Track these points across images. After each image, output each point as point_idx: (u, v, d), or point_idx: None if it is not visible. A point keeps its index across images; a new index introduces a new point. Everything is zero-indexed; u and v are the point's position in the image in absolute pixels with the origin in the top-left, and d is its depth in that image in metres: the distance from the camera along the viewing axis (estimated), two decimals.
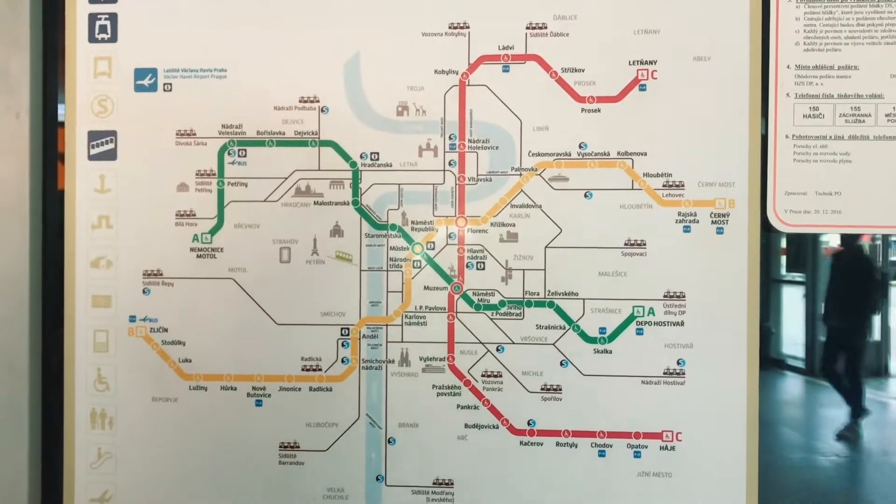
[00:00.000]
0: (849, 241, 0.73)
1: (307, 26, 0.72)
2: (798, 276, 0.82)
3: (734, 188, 0.69)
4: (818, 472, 0.75)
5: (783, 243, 0.81)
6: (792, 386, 0.79)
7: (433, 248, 0.72)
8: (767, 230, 0.69)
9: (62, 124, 0.75)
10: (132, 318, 0.74)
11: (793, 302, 0.80)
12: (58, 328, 0.74)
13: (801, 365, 0.82)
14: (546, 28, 0.71)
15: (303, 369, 0.72)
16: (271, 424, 0.73)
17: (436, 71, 0.71)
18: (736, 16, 0.69)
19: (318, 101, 0.72)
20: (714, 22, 0.69)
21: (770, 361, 0.78)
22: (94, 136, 0.74)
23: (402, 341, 0.72)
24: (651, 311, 0.70)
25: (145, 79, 0.73)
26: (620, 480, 0.71)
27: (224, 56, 0.73)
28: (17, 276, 0.73)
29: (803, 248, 0.84)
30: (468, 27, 0.71)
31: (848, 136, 0.69)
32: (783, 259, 0.81)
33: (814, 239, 0.81)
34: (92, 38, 0.74)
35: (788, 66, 0.69)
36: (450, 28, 0.71)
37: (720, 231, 0.70)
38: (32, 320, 0.74)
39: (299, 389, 0.72)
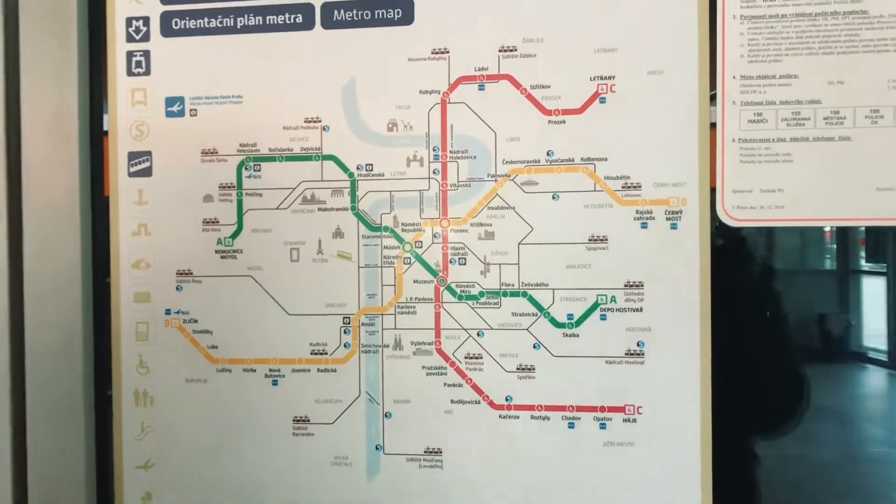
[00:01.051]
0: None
1: (310, 57, 0.84)
2: (878, 268, 0.89)
3: (686, 188, 0.79)
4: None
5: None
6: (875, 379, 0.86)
7: (421, 247, 0.83)
8: (717, 225, 0.79)
9: (107, 141, 0.89)
10: (168, 311, 0.87)
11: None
12: (106, 321, 0.88)
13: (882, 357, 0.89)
14: (516, 50, 0.81)
15: (311, 353, 0.85)
16: (285, 401, 0.85)
17: (420, 91, 0.83)
18: (686, 33, 0.78)
19: (320, 121, 0.84)
20: (666, 39, 0.79)
21: (850, 354, 0.87)
22: (132, 155, 0.88)
23: (395, 328, 0.84)
24: (613, 299, 0.81)
25: (174, 106, 0.87)
26: (588, 449, 0.81)
27: (240, 85, 0.85)
28: (71, 277, 0.88)
29: (883, 238, 0.91)
30: (448, 52, 0.82)
31: (789, 139, 0.77)
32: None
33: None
34: (129, 73, 0.88)
35: (734, 77, 0.78)
36: (432, 53, 0.83)
37: (674, 227, 0.79)
38: (84, 314, 0.88)
39: (308, 371, 0.85)
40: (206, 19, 0.86)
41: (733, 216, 0.78)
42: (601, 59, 0.80)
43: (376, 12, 0.83)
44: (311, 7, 0.84)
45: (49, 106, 0.88)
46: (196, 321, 0.86)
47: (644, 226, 0.79)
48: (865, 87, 0.76)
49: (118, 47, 0.87)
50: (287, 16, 0.84)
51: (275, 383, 0.85)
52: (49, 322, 0.87)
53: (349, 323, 0.84)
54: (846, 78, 0.76)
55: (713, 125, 0.78)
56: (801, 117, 0.77)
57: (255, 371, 0.86)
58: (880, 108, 0.76)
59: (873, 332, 0.84)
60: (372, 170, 0.83)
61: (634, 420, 0.80)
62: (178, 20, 0.86)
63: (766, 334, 0.82)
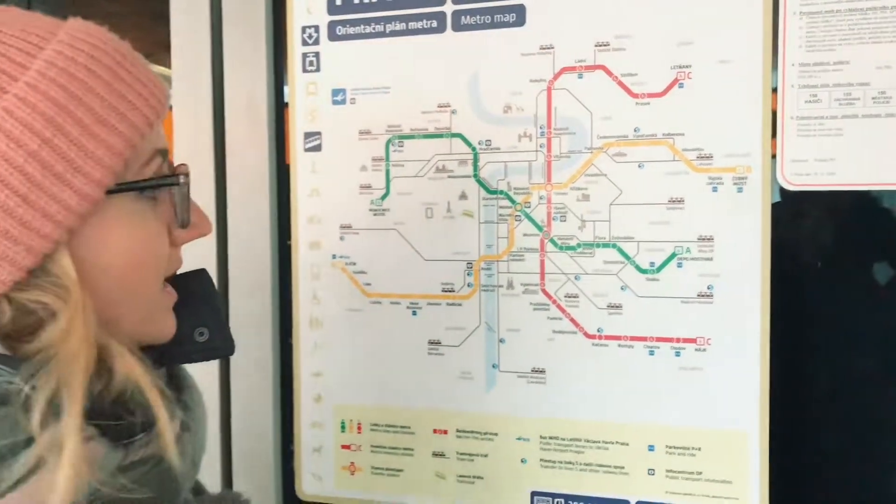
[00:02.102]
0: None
1: (442, 55, 1.06)
2: None
3: (751, 158, 0.96)
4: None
5: None
6: None
7: (529, 207, 1.05)
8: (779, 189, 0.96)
9: (287, 123, 1.17)
10: (333, 256, 1.13)
11: None
12: (288, 262, 1.17)
13: None
14: (609, 45, 1.01)
15: (442, 290, 1.08)
16: (422, 328, 1.09)
17: (530, 80, 1.03)
18: (752, 28, 0.94)
19: (449, 106, 1.07)
20: (735, 33, 0.95)
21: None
22: (307, 135, 1.14)
23: (508, 272, 1.06)
24: (688, 250, 0.99)
25: (338, 96, 1.12)
26: (665, 373, 1.00)
27: (388, 78, 1.09)
28: (262, 230, 1.16)
29: None
30: (553, 48, 1.03)
31: (841, 116, 0.93)
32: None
33: None
34: (304, 70, 1.14)
35: (793, 64, 0.95)
36: (540, 49, 1.03)
37: (740, 190, 0.97)
38: (273, 259, 1.17)
39: (440, 304, 1.09)
40: (362, 26, 1.11)
41: (791, 181, 0.95)
42: (680, 50, 0.98)
43: (495, 17, 1.05)
44: (443, 14, 1.07)
45: (245, 96, 1.16)
46: (354, 264, 1.13)
47: (715, 189, 0.98)
48: None
49: (296, 50, 1.14)
50: (424, 22, 1.08)
51: (414, 313, 1.10)
52: (246, 262, 1.17)
53: (471, 267, 1.07)
54: (892, 63, 0.91)
55: (774, 105, 0.95)
56: (851, 97, 0.93)
57: (399, 303, 1.11)
58: None
59: None
60: (490, 144, 1.06)
61: (704, 350, 0.99)
62: (341, 27, 1.12)
63: (817, 278, 0.99)
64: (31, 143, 0.49)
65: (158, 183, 0.59)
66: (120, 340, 0.55)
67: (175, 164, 0.64)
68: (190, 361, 0.70)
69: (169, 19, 1.21)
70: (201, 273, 0.71)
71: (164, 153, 0.61)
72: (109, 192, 0.54)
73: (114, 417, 0.53)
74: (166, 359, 0.65)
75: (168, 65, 1.21)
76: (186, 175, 0.61)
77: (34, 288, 0.51)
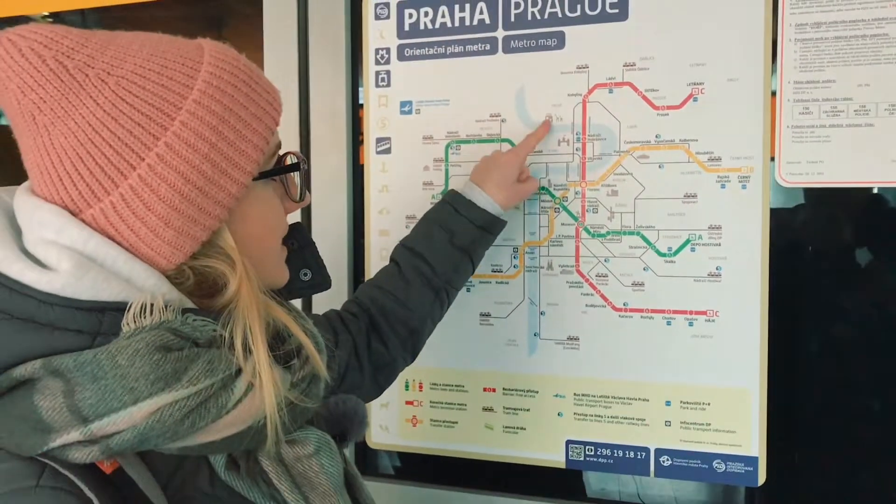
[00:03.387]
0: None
1: (494, 72, 1.27)
2: None
3: (753, 160, 1.14)
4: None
5: None
6: None
7: (567, 200, 1.25)
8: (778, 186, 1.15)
9: (363, 130, 1.38)
10: None
11: None
12: (361, 247, 1.37)
13: None
14: (635, 65, 1.20)
15: (491, 271, 1.28)
16: (476, 302, 1.29)
17: (568, 94, 1.23)
18: (755, 52, 1.14)
19: (500, 116, 1.27)
20: (741, 57, 1.14)
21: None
22: (378, 140, 1.35)
23: (548, 255, 1.26)
24: (700, 237, 1.18)
25: (406, 107, 1.33)
26: (680, 340, 1.19)
27: (448, 92, 1.29)
28: (340, 220, 1.38)
29: None
30: (588, 67, 1.22)
31: (828, 126, 1.11)
32: None
33: None
34: (377, 85, 1.35)
35: (789, 82, 1.13)
36: (576, 68, 1.23)
37: (744, 187, 1.15)
38: (349, 243, 1.38)
39: (490, 283, 1.29)
40: (426, 49, 1.31)
41: (787, 180, 1.14)
42: (694, 70, 1.17)
43: (539, 40, 1.25)
44: (495, 38, 1.27)
45: (328, 107, 1.38)
46: None
47: (723, 186, 1.16)
48: (885, 88, 1.09)
49: (370, 68, 1.35)
50: (479, 45, 1.28)
51: (468, 290, 1.30)
52: (327, 245, 1.37)
53: (517, 252, 1.27)
54: (871, 82, 1.10)
55: (773, 116, 1.14)
56: (837, 110, 1.11)
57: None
58: None
59: None
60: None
61: (713, 321, 1.18)
62: (409, 49, 1.32)
63: (810, 260, 1.18)
64: (203, 148, 0.63)
65: (290, 169, 0.78)
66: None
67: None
68: (299, 297, 0.87)
69: (224, 25, 1.41)
70: (299, 226, 0.84)
71: (280, 146, 0.78)
72: (254, 178, 0.70)
73: (273, 348, 0.69)
74: (281, 296, 0.77)
75: None
76: (306, 161, 0.81)
77: (205, 257, 0.67)
